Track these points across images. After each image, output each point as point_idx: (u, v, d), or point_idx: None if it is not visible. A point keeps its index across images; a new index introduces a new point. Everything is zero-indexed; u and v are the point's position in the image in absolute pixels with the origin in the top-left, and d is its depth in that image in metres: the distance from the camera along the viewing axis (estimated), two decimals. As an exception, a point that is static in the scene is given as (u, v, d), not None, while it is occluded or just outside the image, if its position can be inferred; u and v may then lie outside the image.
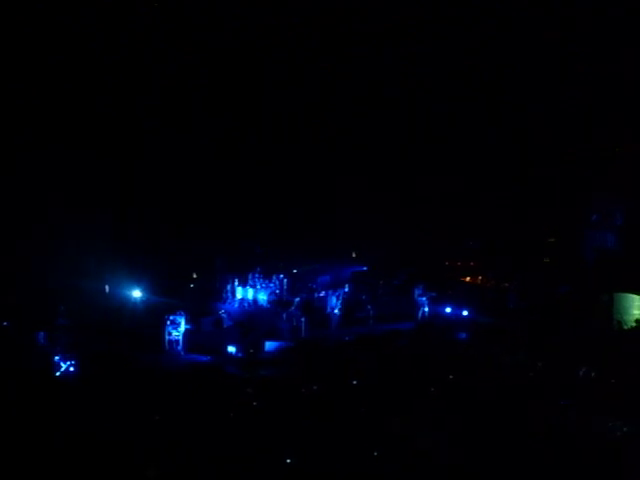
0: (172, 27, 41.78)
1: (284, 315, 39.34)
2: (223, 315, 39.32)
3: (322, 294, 42.31)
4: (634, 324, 38.79)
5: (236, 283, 42.26)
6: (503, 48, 43.54)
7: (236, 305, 41.73)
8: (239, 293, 42.22)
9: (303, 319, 39.19)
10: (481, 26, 42.95)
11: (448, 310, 42.17)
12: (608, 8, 40.80)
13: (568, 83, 44.17)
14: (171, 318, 36.17)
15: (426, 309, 42.21)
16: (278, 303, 41.33)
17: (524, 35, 42.85)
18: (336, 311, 41.10)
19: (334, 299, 41.67)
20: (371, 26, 42.86)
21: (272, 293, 42.25)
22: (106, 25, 40.57)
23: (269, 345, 36.53)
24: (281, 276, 43.22)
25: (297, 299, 41.43)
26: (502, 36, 43.10)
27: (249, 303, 41.97)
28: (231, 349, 35.59)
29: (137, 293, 40.02)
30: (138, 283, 40.15)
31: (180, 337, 36.07)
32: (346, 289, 43.52)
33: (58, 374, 31.94)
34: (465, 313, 41.52)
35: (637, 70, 42.08)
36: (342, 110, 46.28)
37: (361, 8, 42.15)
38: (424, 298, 42.53)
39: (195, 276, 43.25)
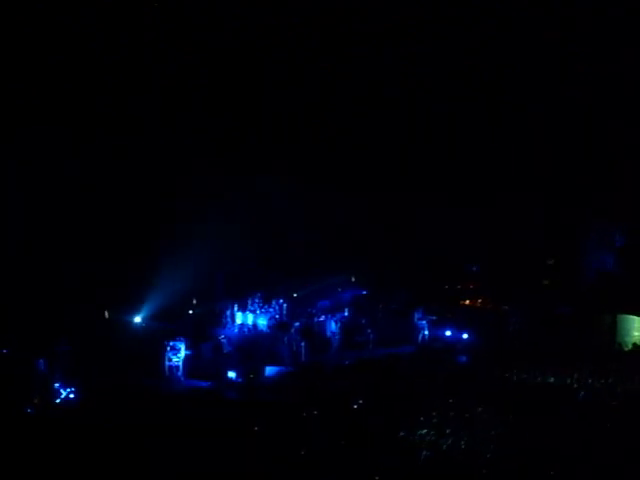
0: (172, 27, 41.92)
1: (285, 339, 39.27)
2: (223, 340, 39.21)
3: (322, 318, 42.25)
4: (631, 347, 38.82)
5: (235, 308, 42.24)
6: (503, 48, 43.66)
7: (236, 330, 41.63)
8: (239, 318, 42.16)
9: (303, 344, 39.16)
10: (481, 26, 43.10)
11: (448, 333, 42.11)
12: (608, 8, 40.98)
13: (568, 83, 44.26)
14: (171, 344, 36.14)
15: (426, 332, 42.20)
16: (278, 328, 41.26)
17: (524, 35, 43.00)
18: (337, 335, 41.08)
19: (334, 323, 41.64)
20: (371, 26, 43.01)
21: (272, 318, 42.19)
22: (106, 25, 40.71)
23: (269, 370, 36.44)
24: (281, 301, 43.24)
25: (297, 324, 41.36)
26: (502, 36, 43.24)
27: (249, 328, 41.89)
28: (231, 374, 35.48)
29: (137, 319, 40.04)
30: (138, 309, 40.20)
31: (180, 363, 35.99)
32: (346, 313, 43.47)
33: (58, 401, 31.85)
34: (465, 336, 41.48)
35: (637, 70, 42.20)
36: (342, 110, 46.30)
37: (361, 8, 42.32)
38: (424, 321, 42.53)
39: (195, 302, 43.14)
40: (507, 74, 44.91)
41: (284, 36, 42.87)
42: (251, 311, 42.41)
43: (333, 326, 41.52)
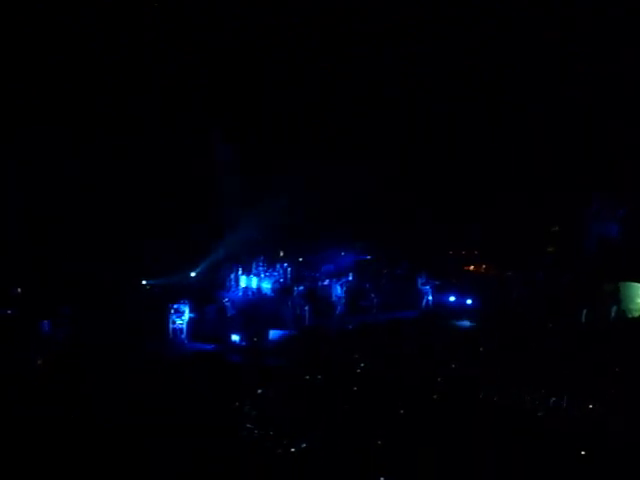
0: (172, 27, 41.68)
1: (289, 303, 39.33)
2: (227, 304, 39.25)
3: (326, 282, 42.29)
4: (639, 312, 38.93)
5: (240, 272, 42.27)
6: (503, 48, 43.40)
7: (240, 294, 41.75)
8: (243, 282, 42.24)
9: (307, 308, 39.21)
10: (481, 26, 42.80)
11: (452, 299, 42.15)
12: (608, 8, 40.62)
13: (568, 83, 44.04)
14: (175, 307, 36.21)
15: (430, 298, 42.19)
16: (282, 291, 41.31)
17: (524, 35, 42.70)
18: (341, 300, 41.11)
19: (338, 288, 41.67)
20: (371, 26, 42.71)
21: (276, 282, 42.24)
22: (106, 25, 40.46)
23: (273, 334, 36.49)
24: (285, 264, 43.27)
25: (301, 288, 41.40)
26: (502, 36, 42.96)
27: (253, 292, 41.98)
28: (235, 338, 35.53)
29: (142, 281, 40.14)
30: (143, 271, 40.28)
31: (184, 325, 36.09)
32: (350, 278, 43.47)
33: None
34: (469, 302, 41.51)
35: (637, 70, 41.93)
36: (342, 110, 46.18)
37: (361, 8, 42.00)
38: (428, 287, 42.51)
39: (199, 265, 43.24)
40: (507, 74, 44.68)
41: (284, 36, 42.58)
42: (255, 275, 42.49)
43: (338, 290, 41.56)
